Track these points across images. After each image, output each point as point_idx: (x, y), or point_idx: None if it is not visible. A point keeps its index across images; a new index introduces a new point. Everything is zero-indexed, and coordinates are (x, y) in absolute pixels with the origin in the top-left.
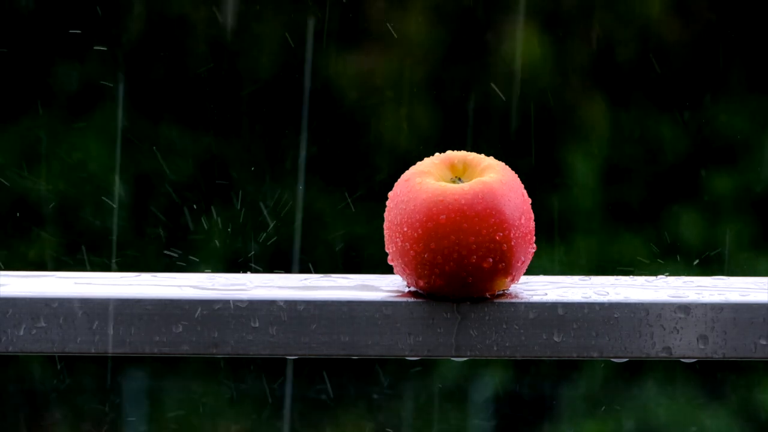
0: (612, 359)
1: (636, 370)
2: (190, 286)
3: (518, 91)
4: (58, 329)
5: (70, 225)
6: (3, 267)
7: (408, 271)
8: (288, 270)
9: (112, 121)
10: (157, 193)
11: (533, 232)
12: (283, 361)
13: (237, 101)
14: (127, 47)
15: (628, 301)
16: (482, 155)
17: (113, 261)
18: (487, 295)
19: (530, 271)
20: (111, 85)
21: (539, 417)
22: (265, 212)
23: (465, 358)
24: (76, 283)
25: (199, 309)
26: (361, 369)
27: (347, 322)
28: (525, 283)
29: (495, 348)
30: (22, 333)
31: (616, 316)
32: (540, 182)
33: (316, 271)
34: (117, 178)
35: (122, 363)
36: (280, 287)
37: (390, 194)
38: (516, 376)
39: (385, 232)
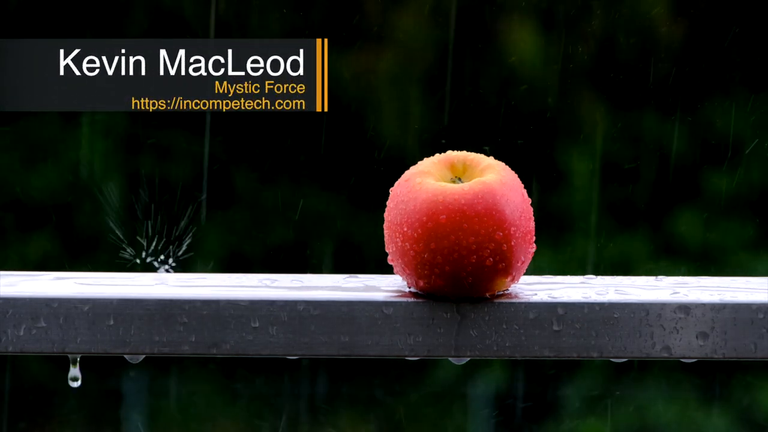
0: (612, 359)
1: (636, 370)
2: (190, 286)
3: (518, 91)
4: (58, 329)
5: (70, 225)
6: (3, 267)
7: (408, 271)
8: (288, 270)
9: (112, 121)
10: (157, 193)
11: (533, 232)
12: (283, 361)
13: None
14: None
15: (628, 301)
16: (482, 155)
17: (113, 261)
18: (487, 295)
19: (530, 271)
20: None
21: (539, 417)
22: (265, 212)
23: (465, 359)
24: (76, 283)
25: (199, 309)
26: (361, 369)
27: (347, 322)
28: (525, 283)
29: (495, 348)
30: (22, 333)
31: (616, 316)
32: (539, 182)
33: (317, 271)
34: (116, 177)
35: (122, 363)
36: (280, 287)
37: (390, 194)
38: (516, 376)
39: (385, 232)
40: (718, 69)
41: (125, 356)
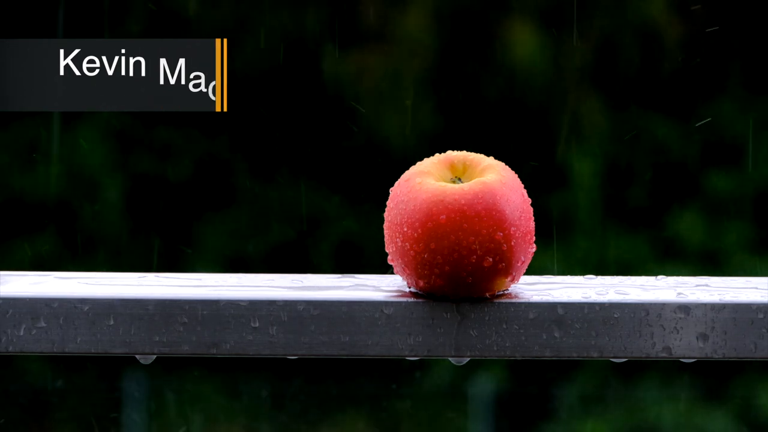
0: (612, 359)
1: (636, 370)
2: (190, 286)
3: (518, 91)
4: (58, 329)
5: (70, 225)
6: (3, 267)
7: (408, 271)
8: (288, 270)
9: (111, 122)
10: (157, 193)
11: (533, 232)
12: (283, 361)
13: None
14: None
15: (628, 301)
16: (482, 155)
17: (113, 261)
18: (487, 295)
19: (530, 271)
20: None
21: (539, 417)
22: (264, 212)
23: (465, 359)
24: (76, 283)
25: (199, 309)
26: (360, 369)
27: (347, 322)
28: (525, 283)
29: (495, 348)
30: (22, 333)
31: (616, 316)
32: (540, 182)
33: (317, 271)
34: (116, 178)
35: (122, 363)
36: (280, 287)
37: (390, 194)
38: (515, 376)
39: (385, 232)
40: (719, 69)
41: (137, 356)
